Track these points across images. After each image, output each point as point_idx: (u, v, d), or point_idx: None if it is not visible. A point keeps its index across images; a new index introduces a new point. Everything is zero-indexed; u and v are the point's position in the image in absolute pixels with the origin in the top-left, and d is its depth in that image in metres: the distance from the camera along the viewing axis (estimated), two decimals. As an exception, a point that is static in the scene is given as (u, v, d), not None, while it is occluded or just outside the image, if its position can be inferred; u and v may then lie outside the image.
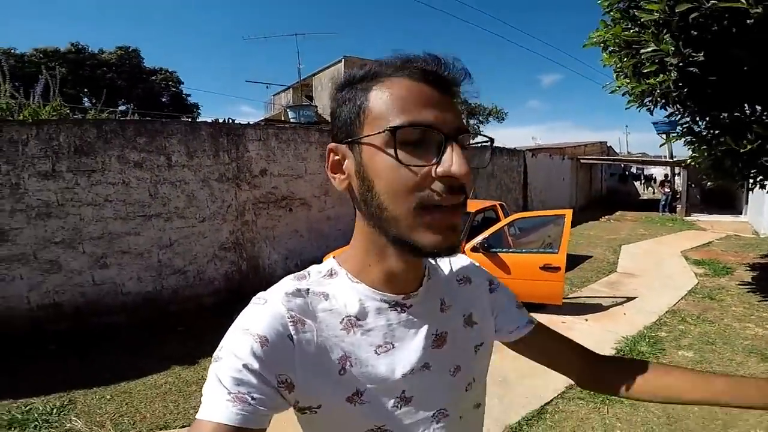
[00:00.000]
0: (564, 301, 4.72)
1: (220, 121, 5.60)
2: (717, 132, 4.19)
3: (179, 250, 4.92)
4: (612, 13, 4.28)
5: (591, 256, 7.47)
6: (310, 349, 0.51)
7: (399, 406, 0.55)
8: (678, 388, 0.66)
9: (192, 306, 4.98)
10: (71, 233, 4.26)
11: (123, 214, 4.51)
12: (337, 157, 0.54)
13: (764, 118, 3.98)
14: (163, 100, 23.02)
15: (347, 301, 0.55)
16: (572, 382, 2.74)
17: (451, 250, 0.50)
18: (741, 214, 13.29)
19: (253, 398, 0.45)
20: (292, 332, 0.50)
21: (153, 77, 22.63)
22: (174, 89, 23.81)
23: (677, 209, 14.13)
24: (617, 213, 14.64)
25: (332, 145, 0.55)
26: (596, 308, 4.72)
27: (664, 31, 3.60)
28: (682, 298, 5.00)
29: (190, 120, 5.27)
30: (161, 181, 4.74)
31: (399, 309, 0.57)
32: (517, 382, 3.11)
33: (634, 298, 5.04)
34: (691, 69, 3.64)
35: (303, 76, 19.45)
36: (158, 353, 3.85)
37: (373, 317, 0.55)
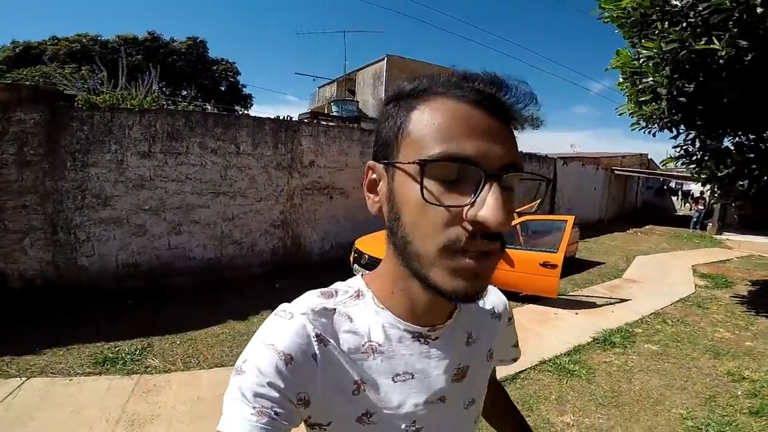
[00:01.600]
0: (562, 297, 5.39)
1: (281, 117, 6.54)
2: (706, 156, 4.73)
3: (239, 224, 5.92)
4: (627, 44, 4.84)
5: (603, 263, 7.96)
6: (331, 369, 0.51)
7: None
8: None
9: (243, 274, 5.91)
10: (157, 203, 5.26)
11: (198, 190, 5.52)
12: (374, 176, 0.52)
13: (745, 145, 4.49)
14: (222, 89, 24.53)
15: (371, 327, 0.54)
16: (546, 358, 3.53)
17: (472, 299, 0.46)
18: (776, 236, 13.14)
19: (276, 413, 0.46)
20: (317, 351, 0.50)
21: (215, 67, 24.16)
22: (232, 80, 25.29)
23: (708, 227, 14.09)
24: (647, 226, 14.72)
25: (370, 162, 0.53)
26: (589, 305, 5.34)
27: (663, 63, 4.17)
28: (671, 304, 5.53)
29: (257, 116, 6.20)
30: (230, 165, 5.74)
31: (422, 340, 0.56)
32: (502, 352, 3.85)
33: (628, 300, 5.60)
34: (681, 99, 4.20)
35: (347, 72, 20.36)
36: (216, 310, 4.62)
37: (395, 345, 0.54)
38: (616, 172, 16.04)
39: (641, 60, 4.41)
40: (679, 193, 21.69)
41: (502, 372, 3.52)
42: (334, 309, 0.54)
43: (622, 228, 13.78)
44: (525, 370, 3.60)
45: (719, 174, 4.34)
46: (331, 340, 0.52)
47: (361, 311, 0.55)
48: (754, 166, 4.15)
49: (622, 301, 5.58)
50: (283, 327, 0.51)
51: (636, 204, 19.59)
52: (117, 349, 3.64)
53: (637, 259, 8.57)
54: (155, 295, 4.97)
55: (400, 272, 0.52)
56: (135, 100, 5.17)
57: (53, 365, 3.33)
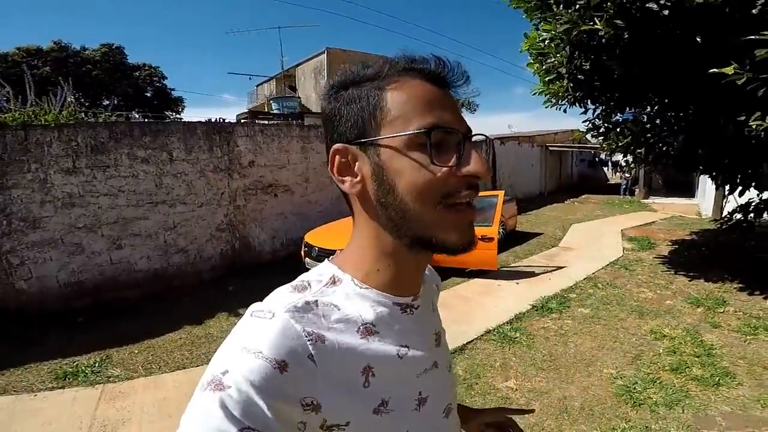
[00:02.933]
0: (504, 269, 5.74)
1: (213, 120, 6.42)
2: (609, 127, 5.26)
3: (182, 232, 5.79)
4: (531, 26, 5.19)
5: (542, 233, 8.50)
6: (333, 367, 0.47)
7: (418, 408, 0.55)
8: None
9: (193, 280, 5.83)
10: (92, 219, 5.05)
11: (134, 202, 5.34)
12: (344, 159, 0.53)
13: (640, 117, 5.07)
14: (148, 95, 23.32)
15: (360, 309, 0.53)
16: (491, 328, 3.75)
17: (470, 246, 0.52)
18: (693, 197, 14.45)
19: None
20: (313, 351, 0.46)
21: (137, 73, 22.83)
22: (158, 84, 24.09)
23: (636, 192, 15.29)
24: (583, 196, 15.72)
25: (340, 146, 0.53)
26: (529, 275, 5.72)
27: (562, 44, 4.51)
28: (602, 268, 5.99)
29: (187, 120, 6.02)
30: (165, 173, 5.58)
31: (409, 311, 0.57)
32: (451, 326, 4.08)
33: (563, 267, 6.05)
34: (580, 76, 4.58)
35: (286, 68, 19.98)
36: (171, 318, 4.64)
37: (388, 322, 0.54)
38: (551, 148, 16.98)
39: (545, 41, 4.75)
40: (609, 163, 23.22)
41: (451, 345, 3.74)
42: (316, 300, 0.51)
43: (561, 199, 14.63)
44: (472, 340, 3.84)
45: (620, 144, 4.86)
46: (325, 335, 0.48)
47: (343, 297, 0.53)
48: (649, 136, 4.68)
49: (559, 268, 6.01)
50: (267, 329, 0.45)
51: (572, 176, 20.84)
52: (75, 363, 3.67)
53: (573, 227, 9.17)
54: (105, 310, 4.90)
55: (387, 247, 0.54)
56: (49, 115, 4.89)
57: (14, 384, 3.36)
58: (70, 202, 4.91)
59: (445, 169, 0.49)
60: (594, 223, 9.75)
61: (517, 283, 5.34)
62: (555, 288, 5.14)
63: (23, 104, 5.04)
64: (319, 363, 0.46)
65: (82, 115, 5.50)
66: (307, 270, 0.62)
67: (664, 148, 4.84)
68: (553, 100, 5.18)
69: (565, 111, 5.35)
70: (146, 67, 23.74)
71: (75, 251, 4.97)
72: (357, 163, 0.52)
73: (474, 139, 0.55)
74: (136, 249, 5.41)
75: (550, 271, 5.88)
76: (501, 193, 5.40)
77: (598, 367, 3.36)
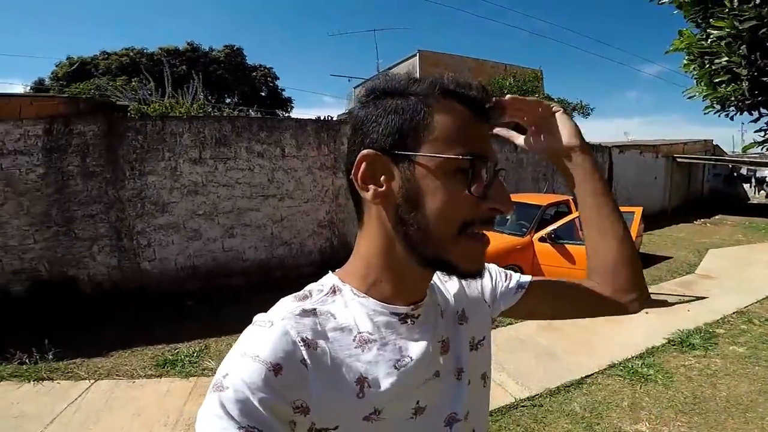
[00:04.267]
0: (628, 294, 4.98)
1: (321, 118, 6.59)
2: None
3: (287, 225, 6.01)
4: (688, 24, 4.41)
5: (671, 257, 7.35)
6: (325, 372, 0.49)
7: (414, 417, 0.55)
8: (596, 235, 0.77)
9: (293, 274, 5.96)
10: (210, 207, 5.43)
11: (248, 194, 5.65)
12: (372, 167, 0.52)
13: None
14: (262, 94, 25.13)
15: (357, 318, 0.54)
16: (615, 362, 3.18)
17: (480, 274, 0.54)
18: None
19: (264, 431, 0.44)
20: (306, 356, 0.48)
21: (254, 73, 24.72)
22: (271, 85, 25.89)
23: (790, 216, 12.75)
24: (717, 216, 13.55)
25: (371, 152, 0.51)
26: (660, 304, 4.89)
27: (738, 42, 3.75)
28: (757, 302, 4.95)
29: (298, 118, 6.27)
30: (277, 168, 5.83)
31: (409, 321, 0.57)
32: (563, 357, 3.62)
33: (704, 297, 5.10)
34: (764, 79, 3.75)
35: (381, 70, 20.39)
36: (267, 311, 4.78)
37: (385, 332, 0.54)
38: (678, 160, 14.95)
39: (710, 40, 3.99)
40: (752, 179, 19.81)
41: (565, 377, 3.30)
42: (314, 309, 0.53)
43: (687, 219, 12.77)
44: (592, 374, 3.37)
45: None
46: (320, 342, 0.51)
47: (341, 306, 0.55)
48: None
49: (699, 299, 5.08)
50: (265, 336, 0.49)
51: (702, 193, 18.13)
52: (176, 351, 3.79)
53: (709, 252, 7.82)
54: (213, 295, 5.12)
55: (397, 260, 0.54)
56: (183, 107, 5.38)
57: (119, 367, 3.49)
58: (194, 190, 5.32)
59: (474, 198, 0.50)
60: (737, 249, 8.22)
61: (646, 313, 4.56)
62: (696, 321, 4.33)
63: (162, 97, 5.60)
64: (311, 368, 0.48)
65: (209, 109, 5.97)
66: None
67: None
68: (717, 106, 4.35)
69: (732, 118, 4.44)
70: (262, 68, 25.46)
71: (194, 236, 5.37)
72: (385, 174, 0.52)
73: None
74: (246, 238, 5.70)
75: (688, 302, 4.98)
76: (639, 210, 4.65)
77: (759, 414, 2.83)
